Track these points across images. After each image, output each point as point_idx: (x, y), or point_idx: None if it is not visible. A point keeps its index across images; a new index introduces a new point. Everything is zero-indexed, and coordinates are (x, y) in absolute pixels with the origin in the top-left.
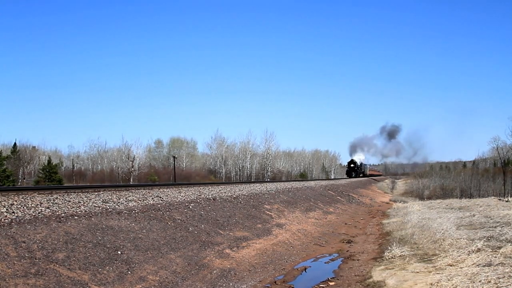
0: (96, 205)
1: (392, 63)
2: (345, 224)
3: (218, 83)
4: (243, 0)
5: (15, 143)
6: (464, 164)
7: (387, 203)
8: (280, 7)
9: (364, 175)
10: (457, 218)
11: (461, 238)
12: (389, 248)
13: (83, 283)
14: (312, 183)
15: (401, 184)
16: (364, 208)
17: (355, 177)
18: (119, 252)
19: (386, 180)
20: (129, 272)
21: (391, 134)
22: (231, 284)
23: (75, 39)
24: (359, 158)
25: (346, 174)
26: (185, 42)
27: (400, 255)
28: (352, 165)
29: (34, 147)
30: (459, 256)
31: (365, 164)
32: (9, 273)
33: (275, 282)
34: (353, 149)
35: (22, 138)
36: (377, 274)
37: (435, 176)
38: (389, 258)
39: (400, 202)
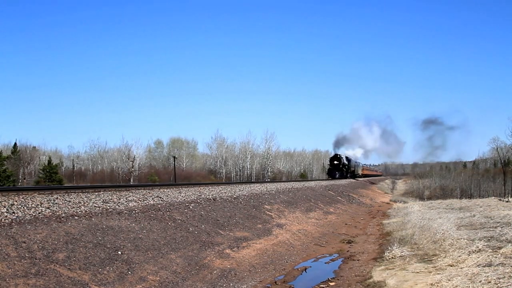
0: (97, 205)
1: (392, 63)
2: (346, 224)
3: (218, 83)
4: (243, 0)
5: (15, 143)
6: (464, 165)
7: (387, 203)
8: (280, 7)
9: (355, 175)
10: (457, 219)
11: (461, 239)
12: (390, 248)
13: (83, 283)
14: (312, 183)
15: (401, 184)
16: (364, 208)
17: (340, 178)
18: (119, 252)
19: (387, 180)
20: (129, 272)
21: (431, 122)
22: (231, 284)
23: (75, 39)
24: (347, 153)
25: (328, 174)
26: (185, 42)
27: (401, 255)
28: (335, 162)
29: (34, 147)
30: (460, 256)
31: (356, 162)
32: (9, 273)
33: (276, 282)
34: (340, 141)
35: (23, 138)
36: (378, 274)
37: (435, 177)
38: (389, 258)
39: (400, 203)
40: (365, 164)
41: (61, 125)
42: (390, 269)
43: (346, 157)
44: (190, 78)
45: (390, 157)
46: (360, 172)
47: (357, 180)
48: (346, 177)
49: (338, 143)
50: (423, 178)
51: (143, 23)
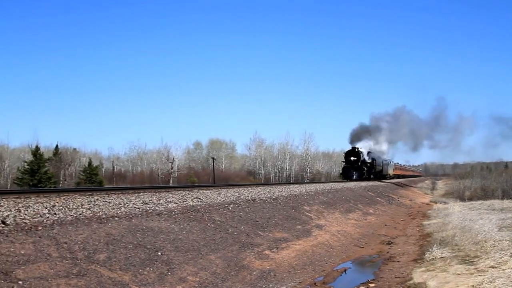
0: (136, 207)
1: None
2: (385, 225)
3: (257, 84)
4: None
5: (56, 146)
6: (506, 165)
7: (427, 204)
8: (318, 7)
9: (383, 176)
10: (499, 220)
11: (503, 240)
12: (430, 249)
13: (123, 284)
14: (352, 184)
15: (441, 185)
16: (404, 209)
17: (360, 179)
18: (159, 253)
19: (426, 181)
20: (169, 273)
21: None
22: (270, 285)
23: (115, 42)
24: (369, 147)
25: (342, 174)
26: (224, 42)
27: (441, 257)
28: (352, 158)
29: (75, 149)
30: (501, 258)
31: (385, 159)
32: (51, 274)
33: (315, 283)
34: (362, 133)
35: (63, 141)
36: (418, 275)
37: (476, 177)
38: (429, 259)
39: (440, 203)
40: (397, 163)
41: (101, 127)
42: (430, 270)
43: (369, 153)
44: (228, 79)
45: (446, 147)
46: (391, 172)
47: (387, 182)
48: (368, 178)
49: (358, 135)
50: (463, 179)
51: (183, 22)
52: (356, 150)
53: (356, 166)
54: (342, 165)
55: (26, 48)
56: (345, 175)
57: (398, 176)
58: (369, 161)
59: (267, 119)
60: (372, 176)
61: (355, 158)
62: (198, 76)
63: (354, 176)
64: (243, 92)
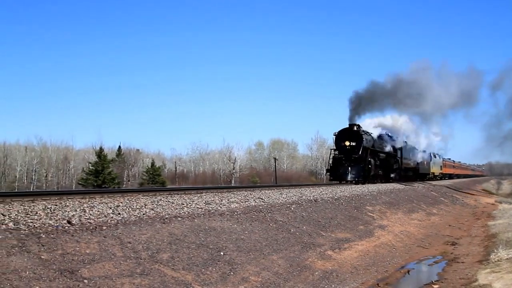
0: (199, 207)
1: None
2: (449, 225)
3: (317, 84)
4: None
5: (119, 147)
6: None
7: (493, 204)
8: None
9: (419, 176)
10: None
11: None
12: (495, 250)
13: (186, 283)
14: (414, 184)
15: (507, 185)
16: (468, 210)
17: (361, 180)
18: (221, 253)
19: (492, 181)
20: (231, 273)
21: None
22: (333, 285)
23: (177, 43)
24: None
25: (329, 171)
26: (285, 41)
27: (507, 258)
28: (348, 144)
29: (138, 150)
30: None
31: (417, 150)
32: (115, 273)
33: (378, 284)
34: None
35: (127, 142)
36: (483, 277)
37: None
38: (495, 261)
39: (506, 203)
40: (449, 159)
41: (164, 128)
42: (496, 272)
43: (387, 136)
44: (290, 79)
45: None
46: (436, 170)
47: (428, 183)
48: (386, 179)
49: (361, 103)
50: None
51: (242, 21)
52: (356, 128)
53: (354, 158)
54: (330, 156)
55: (90, 51)
56: (334, 173)
57: (450, 176)
58: (386, 149)
59: (329, 119)
60: (392, 176)
61: (353, 144)
62: (259, 76)
63: (349, 176)
64: (305, 92)
